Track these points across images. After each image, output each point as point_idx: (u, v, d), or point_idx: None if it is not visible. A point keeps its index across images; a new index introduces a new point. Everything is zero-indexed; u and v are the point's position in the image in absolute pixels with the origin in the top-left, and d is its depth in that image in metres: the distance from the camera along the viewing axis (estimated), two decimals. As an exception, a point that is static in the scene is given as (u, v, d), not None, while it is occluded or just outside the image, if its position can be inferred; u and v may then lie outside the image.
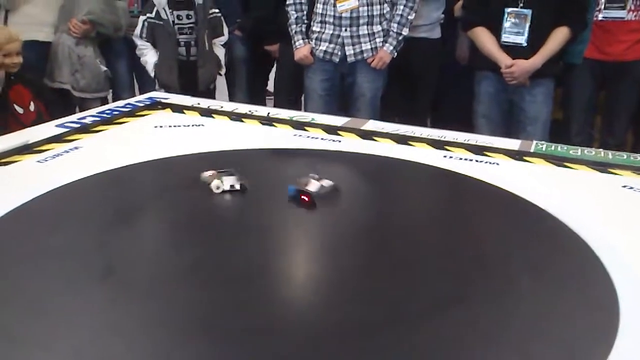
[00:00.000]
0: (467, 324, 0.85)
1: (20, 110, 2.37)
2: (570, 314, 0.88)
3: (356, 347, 0.79)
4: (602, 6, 2.58)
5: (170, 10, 2.89)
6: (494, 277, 0.98)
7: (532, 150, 1.57)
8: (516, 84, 2.51)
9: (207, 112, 1.87)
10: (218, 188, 1.26)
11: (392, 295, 0.93)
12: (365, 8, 2.66)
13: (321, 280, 1.00)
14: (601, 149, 1.58)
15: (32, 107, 2.41)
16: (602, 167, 1.46)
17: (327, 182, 1.26)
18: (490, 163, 1.49)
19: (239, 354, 0.78)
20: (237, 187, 1.26)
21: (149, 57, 2.95)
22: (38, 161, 1.44)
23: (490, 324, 0.86)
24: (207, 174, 1.29)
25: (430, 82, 3.13)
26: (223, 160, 1.48)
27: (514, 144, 1.62)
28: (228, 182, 1.26)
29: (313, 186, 1.24)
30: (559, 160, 1.51)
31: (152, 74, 2.96)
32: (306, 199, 1.21)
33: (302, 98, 3.09)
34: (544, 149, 1.58)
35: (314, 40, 2.75)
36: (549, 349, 0.80)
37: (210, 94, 3.05)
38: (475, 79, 2.69)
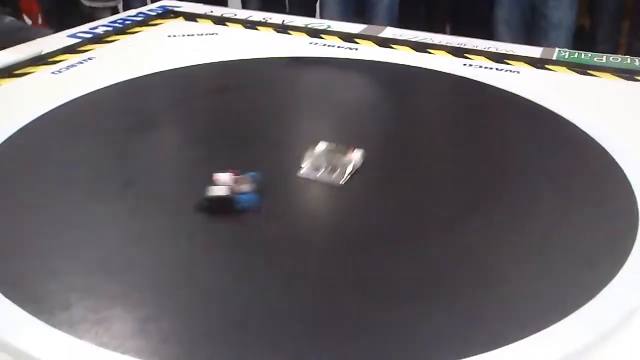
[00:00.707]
0: (485, 233, 0.86)
1: (29, 22, 2.32)
2: (588, 224, 0.88)
3: (371, 260, 0.81)
4: None
5: None
6: (513, 186, 0.98)
7: (554, 58, 1.52)
8: None
9: (221, 20, 1.83)
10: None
11: (407, 207, 0.93)
12: None
13: (337, 192, 1.00)
14: (627, 56, 1.52)
15: (40, 20, 2.36)
16: (628, 74, 1.42)
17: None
18: (511, 71, 1.46)
19: (259, 264, 0.80)
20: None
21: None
22: (52, 72, 1.43)
23: (507, 233, 0.87)
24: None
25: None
26: (238, 70, 1.47)
27: (535, 51, 1.57)
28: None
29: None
30: (582, 68, 1.47)
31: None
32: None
33: (317, 4, 3.00)
34: (566, 56, 1.53)
35: (329, -57, 2.64)
36: (564, 257, 0.81)
37: (223, 2, 2.97)
38: None
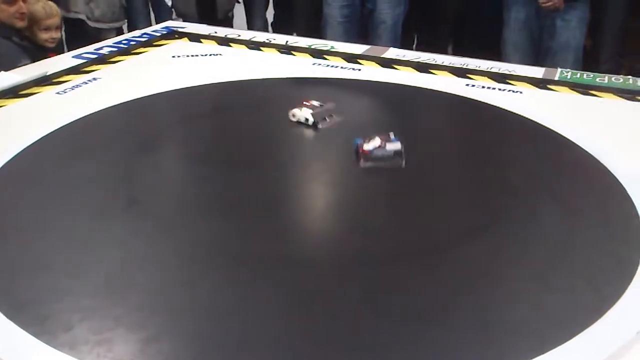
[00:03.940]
0: (489, 253, 0.86)
1: None
2: (593, 244, 0.88)
3: (380, 278, 0.81)
4: None
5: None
6: (516, 206, 0.98)
7: (556, 79, 1.53)
8: (551, 6, 2.41)
9: (225, 41, 1.84)
10: (294, 116, 1.25)
11: (416, 225, 0.94)
12: None
13: (344, 211, 1.00)
14: (630, 76, 1.53)
15: None
16: (630, 94, 1.43)
17: (392, 145, 1.10)
18: (513, 91, 1.46)
19: (262, 282, 0.80)
20: (310, 121, 1.24)
21: (166, -15, 2.88)
22: (57, 93, 1.44)
23: (511, 253, 0.86)
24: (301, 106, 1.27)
25: (452, 8, 3.04)
26: (242, 90, 1.47)
27: (537, 71, 1.58)
28: (305, 114, 1.25)
29: (372, 145, 1.11)
30: (584, 89, 1.47)
31: (170, 3, 2.90)
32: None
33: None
34: (569, 77, 1.54)
35: (333, -35, 2.67)
36: (570, 277, 0.81)
37: (228, 22, 2.99)
38: (504, 6, 2.59)
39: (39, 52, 2.14)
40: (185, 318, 0.74)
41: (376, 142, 1.10)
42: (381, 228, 0.93)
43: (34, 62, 1.90)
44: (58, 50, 2.37)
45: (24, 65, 1.89)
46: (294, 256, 0.86)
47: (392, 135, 1.12)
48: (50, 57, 2.14)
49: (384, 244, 0.89)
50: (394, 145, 1.10)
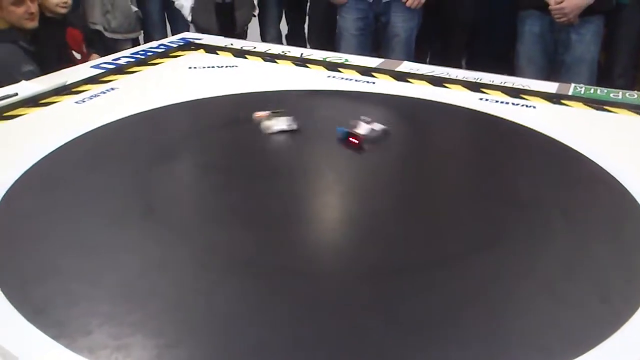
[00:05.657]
0: (501, 266, 0.86)
1: (78, 56, 2.31)
2: (607, 258, 0.88)
3: (390, 289, 0.81)
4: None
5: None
6: (529, 220, 0.98)
7: (570, 94, 1.53)
8: (565, 21, 2.41)
9: (241, 53, 1.86)
10: (269, 129, 1.27)
11: (427, 237, 0.94)
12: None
13: (356, 223, 1.01)
14: (643, 92, 1.53)
15: (85, 51, 2.36)
16: (644, 110, 1.43)
17: (377, 126, 1.25)
18: (527, 106, 1.47)
19: (275, 291, 0.81)
20: (288, 128, 1.28)
21: (185, 0, 2.91)
22: (76, 102, 1.46)
23: (523, 265, 0.87)
24: (260, 114, 1.30)
25: (465, 21, 3.04)
26: (258, 102, 1.49)
27: (551, 86, 1.59)
28: (280, 123, 1.28)
29: (363, 129, 1.23)
30: (598, 104, 1.47)
31: (189, 18, 2.92)
32: (355, 141, 1.21)
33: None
34: (582, 92, 1.54)
35: (347, -21, 2.68)
36: (582, 291, 0.81)
37: (242, 35, 3.01)
38: (518, 19, 2.60)
39: (46, 57, 2.12)
40: (202, 325, 0.75)
41: (364, 126, 1.24)
42: (392, 240, 0.94)
43: (39, 66, 1.91)
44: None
45: (28, 70, 1.90)
46: (307, 266, 0.87)
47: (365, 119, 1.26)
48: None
49: (395, 255, 0.90)
50: (379, 126, 1.25)
